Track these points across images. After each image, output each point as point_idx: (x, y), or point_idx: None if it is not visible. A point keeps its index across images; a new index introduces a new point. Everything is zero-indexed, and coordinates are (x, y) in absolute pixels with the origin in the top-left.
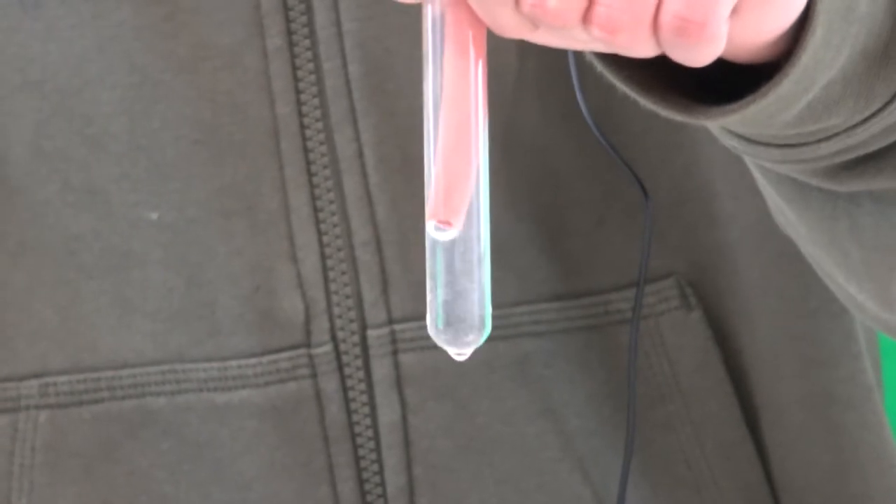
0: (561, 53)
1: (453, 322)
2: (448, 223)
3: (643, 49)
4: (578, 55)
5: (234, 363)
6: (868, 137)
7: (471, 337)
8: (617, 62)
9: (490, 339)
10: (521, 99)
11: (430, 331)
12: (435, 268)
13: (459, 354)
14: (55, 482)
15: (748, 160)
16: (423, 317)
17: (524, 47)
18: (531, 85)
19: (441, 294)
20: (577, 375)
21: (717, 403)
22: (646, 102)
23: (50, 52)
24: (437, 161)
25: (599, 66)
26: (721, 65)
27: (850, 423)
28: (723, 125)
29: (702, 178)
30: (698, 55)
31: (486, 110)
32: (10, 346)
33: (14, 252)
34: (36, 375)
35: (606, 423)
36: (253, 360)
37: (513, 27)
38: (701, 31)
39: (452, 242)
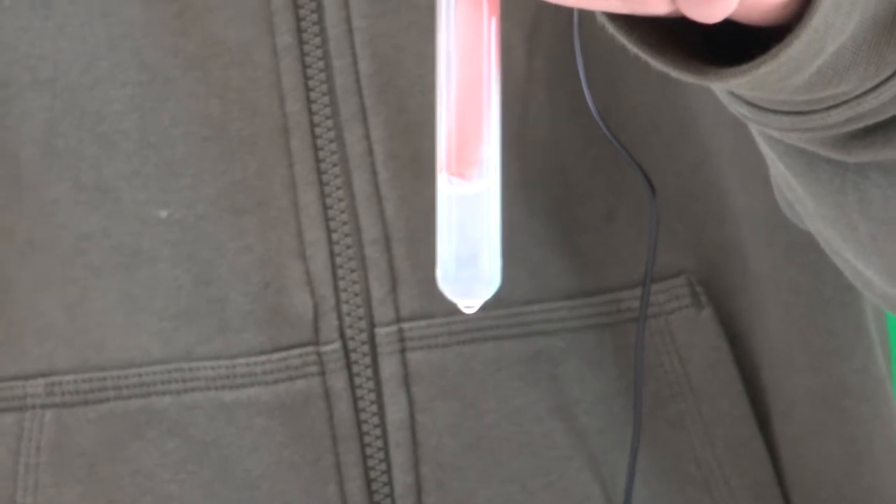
0: (569, 50)
1: (463, 275)
2: (460, 176)
3: (658, 5)
4: (586, 48)
5: (242, 361)
6: (878, 105)
7: (481, 290)
8: (628, 23)
9: (499, 337)
10: (529, 95)
11: (440, 283)
12: (445, 220)
13: (468, 307)
14: (60, 481)
15: (755, 131)
16: (431, 315)
17: (533, 44)
18: (540, 81)
19: (451, 247)
20: (587, 373)
21: (728, 401)
22: (657, 64)
23: (60, 49)
24: (450, 115)
25: (611, 28)
26: (731, 36)
27: (864, 415)
28: (733, 88)
29: (710, 174)
30: (712, 11)
31: (499, 66)
32: (18, 344)
33: (22, 250)
34: (42, 374)
35: (616, 422)
36: (262, 358)
37: None
38: None
39: (463, 194)
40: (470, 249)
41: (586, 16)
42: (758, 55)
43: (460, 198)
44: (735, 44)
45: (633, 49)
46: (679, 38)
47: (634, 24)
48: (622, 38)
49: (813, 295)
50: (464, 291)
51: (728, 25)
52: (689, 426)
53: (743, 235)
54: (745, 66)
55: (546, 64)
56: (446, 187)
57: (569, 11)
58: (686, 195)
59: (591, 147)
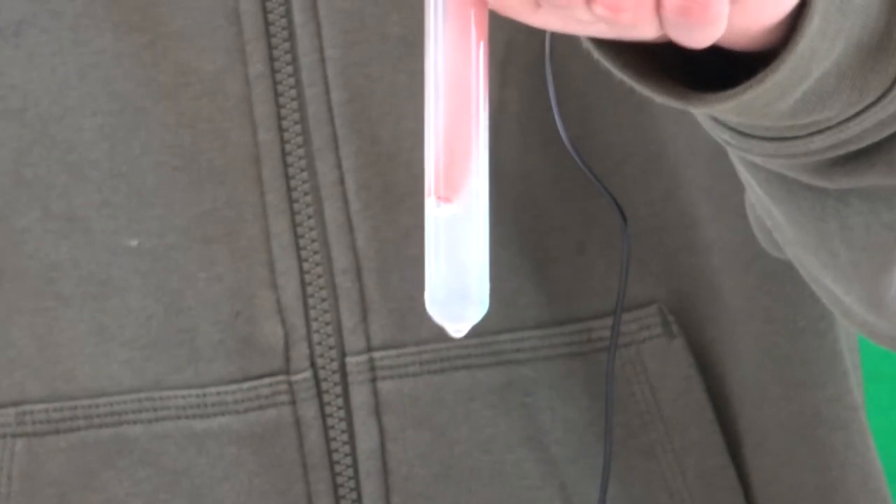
0: (540, 81)
1: (452, 298)
2: (448, 199)
3: (645, 29)
4: (558, 80)
5: (213, 390)
6: (861, 132)
7: (470, 313)
8: (614, 49)
9: (470, 366)
10: (501, 126)
11: (428, 307)
12: (433, 244)
13: (457, 331)
14: None
15: (736, 157)
16: (402, 344)
17: (505, 75)
18: (512, 113)
19: (440, 270)
20: (559, 403)
21: (699, 431)
22: (642, 89)
23: (31, 79)
24: (438, 138)
25: (596, 53)
26: (716, 63)
27: (837, 444)
28: (718, 113)
29: (682, 204)
30: (700, 36)
31: (487, 89)
32: None
33: None
34: (13, 403)
35: (587, 451)
36: (232, 387)
37: (514, 6)
38: (704, 12)
39: (452, 218)
40: (458, 272)
41: (558, 47)
42: (742, 81)
43: (448, 221)
44: (717, 71)
45: (619, 74)
46: (663, 63)
47: (620, 50)
48: (608, 64)
49: (786, 325)
50: (453, 315)
51: (710, 52)
52: (661, 455)
53: (715, 265)
54: (731, 91)
55: (517, 95)
56: (434, 211)
57: (541, 42)
58: (658, 225)
59: (561, 178)
